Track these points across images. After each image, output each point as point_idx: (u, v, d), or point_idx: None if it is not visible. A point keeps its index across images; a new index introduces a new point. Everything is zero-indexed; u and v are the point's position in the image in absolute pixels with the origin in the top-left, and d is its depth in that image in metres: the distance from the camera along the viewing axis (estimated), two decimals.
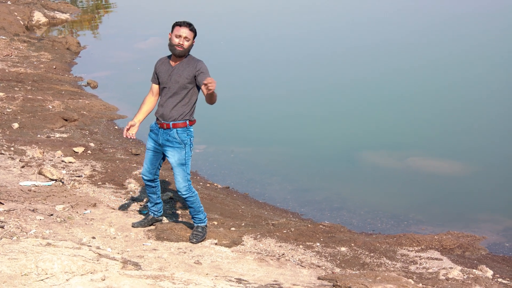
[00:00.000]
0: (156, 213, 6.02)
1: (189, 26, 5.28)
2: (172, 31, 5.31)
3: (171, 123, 5.39)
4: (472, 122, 10.26)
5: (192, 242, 5.73)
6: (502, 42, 15.52)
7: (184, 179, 5.50)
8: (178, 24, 5.30)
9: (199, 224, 5.83)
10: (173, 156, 5.46)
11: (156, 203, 5.96)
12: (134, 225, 5.96)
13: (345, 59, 14.96)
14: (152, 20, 21.40)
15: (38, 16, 19.76)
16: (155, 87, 5.54)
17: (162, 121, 5.41)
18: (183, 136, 5.42)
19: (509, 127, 9.99)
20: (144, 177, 5.73)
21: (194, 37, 5.34)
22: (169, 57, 5.45)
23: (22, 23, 18.66)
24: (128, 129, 5.48)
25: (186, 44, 5.25)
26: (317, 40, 17.01)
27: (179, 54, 5.28)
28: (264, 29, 19.07)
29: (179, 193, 5.54)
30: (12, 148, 8.19)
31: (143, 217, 6.24)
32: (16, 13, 18.97)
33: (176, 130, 5.41)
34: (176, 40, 5.25)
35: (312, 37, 17.41)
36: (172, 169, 5.59)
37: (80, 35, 19.39)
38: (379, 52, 15.18)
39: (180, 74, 5.31)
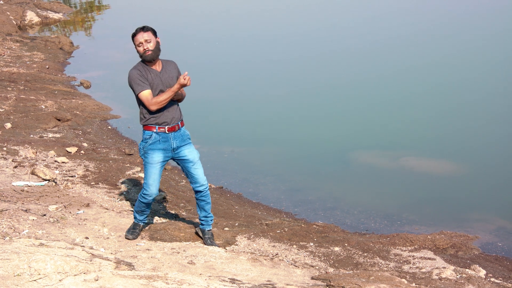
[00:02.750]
0: (145, 221, 5.88)
1: (142, 29, 5.29)
2: (134, 44, 5.32)
3: (179, 123, 5.42)
4: (465, 123, 10.29)
5: (215, 245, 5.73)
6: (497, 43, 15.58)
7: (203, 172, 5.57)
8: (133, 35, 5.31)
9: (209, 229, 5.82)
10: (192, 152, 5.48)
11: (147, 213, 5.82)
12: (129, 238, 5.71)
13: (339, 59, 14.97)
14: (146, 20, 21.32)
15: (31, 16, 19.69)
16: (151, 93, 5.27)
17: (174, 124, 5.37)
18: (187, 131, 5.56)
19: (502, 127, 10.03)
20: (150, 197, 5.48)
21: (155, 35, 5.31)
22: (144, 63, 5.34)
23: (15, 23, 18.60)
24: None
25: (150, 45, 5.24)
26: (311, 40, 17.02)
27: (151, 58, 5.26)
28: (258, 29, 19.06)
29: (202, 187, 5.54)
30: (5, 148, 8.16)
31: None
32: (8, 13, 18.91)
33: (184, 127, 5.49)
34: (140, 49, 5.25)
35: (306, 37, 17.43)
36: (184, 167, 5.52)
37: (73, 34, 19.34)
38: (373, 53, 15.20)
39: (171, 77, 5.37)
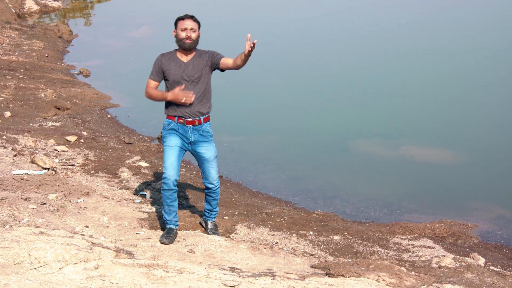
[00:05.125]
0: (176, 222, 5.51)
1: (192, 17, 5.23)
2: (176, 27, 5.23)
3: (202, 118, 5.33)
4: (464, 111, 10.28)
5: (218, 235, 5.75)
6: (496, 31, 15.53)
7: (217, 172, 5.52)
8: (180, 18, 5.23)
9: (212, 221, 5.84)
10: (209, 151, 5.40)
11: (175, 210, 5.49)
12: (164, 243, 5.32)
13: (338, 48, 14.93)
14: (145, 8, 21.28)
15: (30, 4, 19.62)
16: (155, 84, 5.26)
17: (193, 119, 5.28)
18: (210, 128, 5.45)
19: (501, 116, 10.02)
20: (169, 181, 5.22)
21: (199, 28, 5.26)
22: (175, 51, 5.31)
23: (14, 11, 18.52)
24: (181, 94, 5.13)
25: (193, 35, 5.19)
26: (310, 28, 16.97)
27: (189, 47, 5.20)
28: (256, 16, 18.99)
29: (212, 185, 5.49)
30: (4, 137, 8.15)
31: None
32: (7, 1, 18.82)
33: (207, 124, 5.40)
34: (182, 34, 5.17)
35: (305, 25, 17.37)
36: (199, 162, 5.48)
37: (72, 23, 19.27)
38: (372, 41, 15.16)
39: (198, 69, 5.26)
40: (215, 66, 5.32)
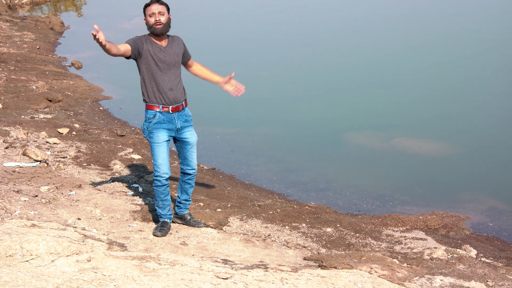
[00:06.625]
0: (170, 215, 5.58)
1: (158, 1, 5.10)
2: (144, 15, 5.12)
3: (183, 102, 5.29)
4: (457, 104, 10.30)
5: (200, 227, 5.71)
6: (493, 24, 15.54)
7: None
8: (147, 4, 5.12)
9: (187, 212, 5.76)
10: (192, 135, 5.38)
11: (169, 204, 5.51)
12: (157, 235, 5.36)
13: (331, 40, 14.92)
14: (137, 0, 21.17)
15: None
16: (126, 47, 5.00)
17: (177, 104, 5.22)
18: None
19: (493, 108, 10.05)
20: (163, 178, 5.26)
21: (168, 11, 5.14)
22: (149, 36, 5.15)
23: (4, 2, 18.38)
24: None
25: (163, 19, 5.06)
26: (304, 21, 16.94)
27: (161, 32, 5.07)
28: (251, 8, 18.93)
29: (193, 170, 5.45)
30: None
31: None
32: None
33: (187, 107, 5.37)
34: (152, 20, 5.05)
35: (300, 17, 17.34)
36: (181, 148, 5.40)
37: (64, 14, 19.16)
38: (366, 34, 15.15)
39: (176, 53, 5.22)
40: (185, 58, 5.38)
